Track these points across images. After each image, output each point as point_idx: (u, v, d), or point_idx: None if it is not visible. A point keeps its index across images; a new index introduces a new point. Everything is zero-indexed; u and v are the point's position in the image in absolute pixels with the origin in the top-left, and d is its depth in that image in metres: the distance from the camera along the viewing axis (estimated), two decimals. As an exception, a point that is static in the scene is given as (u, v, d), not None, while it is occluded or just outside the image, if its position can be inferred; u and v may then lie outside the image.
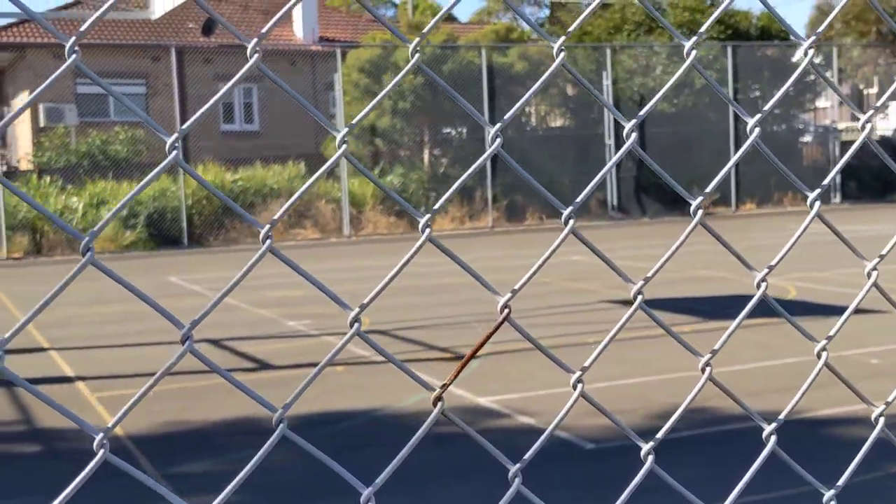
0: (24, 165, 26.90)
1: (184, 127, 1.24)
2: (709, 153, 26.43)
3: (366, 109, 1.36)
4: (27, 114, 27.48)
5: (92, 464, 1.16)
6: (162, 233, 23.11)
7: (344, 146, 1.26)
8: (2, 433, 7.38)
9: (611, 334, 1.41)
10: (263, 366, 9.49)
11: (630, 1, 30.71)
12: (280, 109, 28.18)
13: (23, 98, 28.14)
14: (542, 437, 1.41)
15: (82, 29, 1.15)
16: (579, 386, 1.41)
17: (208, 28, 20.18)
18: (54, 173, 24.12)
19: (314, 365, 8.18)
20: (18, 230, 21.83)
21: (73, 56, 1.12)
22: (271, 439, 1.25)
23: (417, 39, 1.33)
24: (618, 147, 27.36)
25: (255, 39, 1.21)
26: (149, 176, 1.23)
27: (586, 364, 1.42)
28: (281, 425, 1.26)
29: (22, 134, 28.47)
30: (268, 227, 1.28)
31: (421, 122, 25.91)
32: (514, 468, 1.40)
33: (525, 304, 12.52)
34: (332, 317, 11.22)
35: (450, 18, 46.01)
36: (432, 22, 1.38)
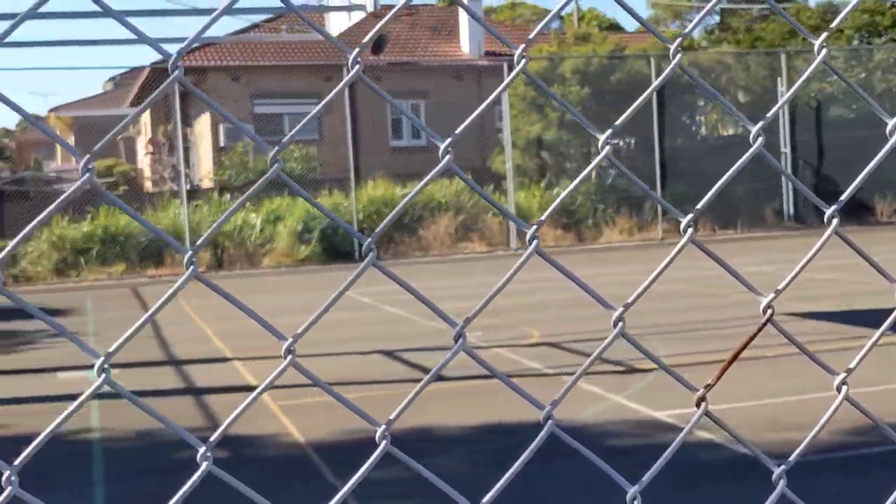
0: (206, 184, 28.16)
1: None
2: (890, 160, 25.16)
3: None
4: (209, 135, 28.79)
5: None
6: (334, 247, 23.73)
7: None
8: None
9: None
10: (437, 378, 9.59)
11: (804, 5, 29.69)
12: (447, 124, 28.44)
13: (204, 119, 29.48)
14: (806, 441, 1.41)
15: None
16: (844, 389, 1.41)
17: (378, 46, 20.63)
18: (234, 190, 25.14)
19: (484, 377, 8.22)
20: (202, 246, 22.85)
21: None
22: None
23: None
24: (794, 155, 26.45)
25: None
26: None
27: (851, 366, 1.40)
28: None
29: (204, 154, 29.83)
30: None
31: (588, 133, 25.72)
32: (778, 470, 1.42)
33: (702, 315, 12.22)
34: (504, 328, 11.24)
35: (616, 28, 45.58)
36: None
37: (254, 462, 6.92)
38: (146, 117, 38.75)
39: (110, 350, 1.21)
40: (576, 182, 1.46)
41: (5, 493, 1.21)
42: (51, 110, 53.56)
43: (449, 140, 1.31)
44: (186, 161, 27.16)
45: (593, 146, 26.09)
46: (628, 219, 25.42)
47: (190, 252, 1.19)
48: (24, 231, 1.22)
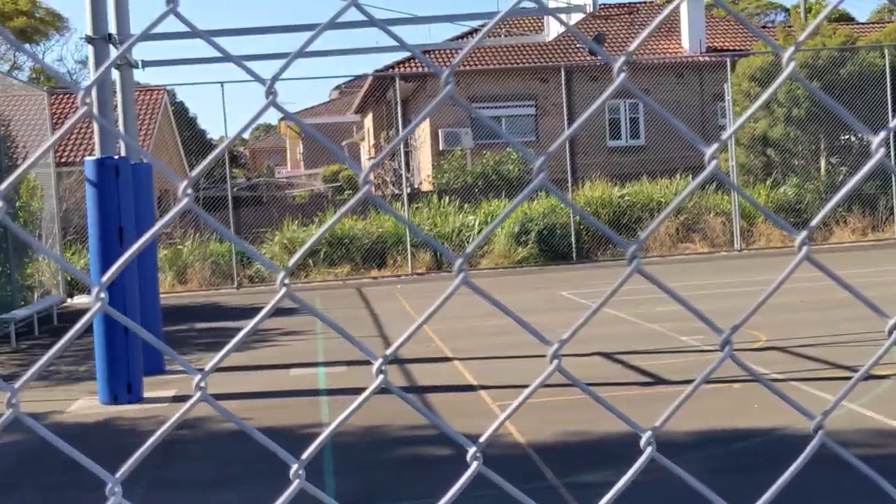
0: (426, 187, 28.79)
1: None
2: None
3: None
4: (429, 139, 29.43)
5: (467, 474, 1.20)
6: (552, 248, 23.73)
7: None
8: (417, 437, 7.88)
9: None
10: (657, 380, 9.42)
11: None
12: (665, 124, 27.92)
13: (424, 124, 30.16)
14: None
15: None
16: None
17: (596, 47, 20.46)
18: (452, 194, 25.58)
19: (708, 382, 8.00)
20: (422, 247, 23.36)
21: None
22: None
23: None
24: None
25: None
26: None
27: None
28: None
29: (423, 158, 30.52)
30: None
31: (816, 129, 24.59)
32: None
33: None
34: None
35: (847, 19, 43.31)
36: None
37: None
38: (369, 123, 40.05)
39: (387, 352, 1.28)
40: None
41: (293, 486, 1.27)
42: (281, 119, 56.20)
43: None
44: (407, 165, 27.85)
45: (823, 142, 24.91)
46: (861, 218, 24.12)
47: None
48: (310, 241, 1.28)
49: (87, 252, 22.42)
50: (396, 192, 27.10)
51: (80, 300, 21.07)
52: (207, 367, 1.28)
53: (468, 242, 23.58)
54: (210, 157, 1.37)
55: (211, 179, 31.68)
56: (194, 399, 1.25)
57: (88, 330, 12.34)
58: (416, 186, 29.86)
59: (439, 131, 28.84)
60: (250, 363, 11.94)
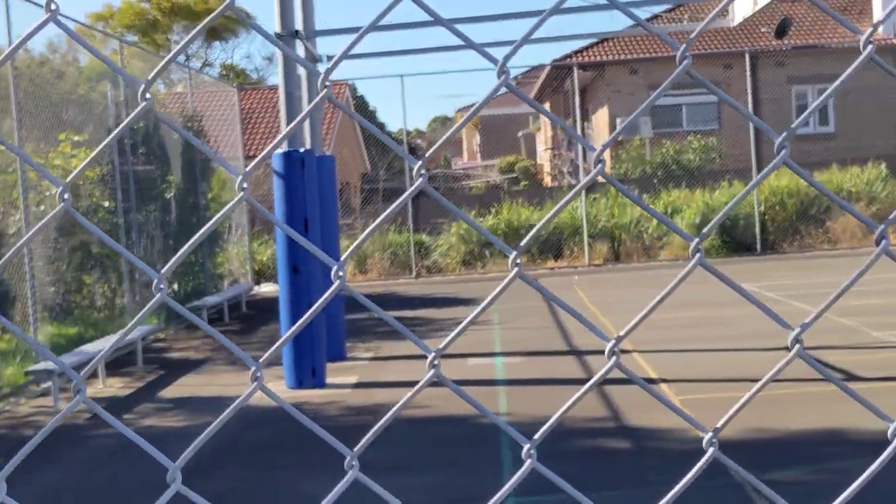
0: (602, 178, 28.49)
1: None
2: None
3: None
4: (607, 129, 29.09)
5: (701, 461, 1.15)
6: (735, 239, 23.04)
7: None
8: (597, 429, 7.81)
9: None
10: (849, 377, 9.01)
11: None
12: (856, 109, 26.70)
13: (602, 114, 29.83)
14: None
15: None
16: None
17: (782, 30, 19.73)
18: (630, 184, 25.19)
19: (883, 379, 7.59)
20: (599, 238, 23.12)
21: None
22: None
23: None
24: None
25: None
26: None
27: None
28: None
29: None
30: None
31: None
32: None
33: None
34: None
35: None
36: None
37: (655, 455, 6.88)
38: (546, 114, 39.85)
39: (621, 334, 1.26)
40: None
41: (525, 466, 1.26)
42: (458, 111, 56.73)
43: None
44: (584, 155, 27.59)
45: None
46: None
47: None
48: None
49: (273, 242, 23.27)
50: (573, 182, 26.91)
51: (266, 288, 21.88)
52: (441, 346, 1.29)
53: (646, 234, 23.19)
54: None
55: (390, 171, 32.30)
56: (426, 377, 1.24)
57: (274, 317, 12.79)
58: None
59: (617, 120, 28.45)
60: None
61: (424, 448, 7.55)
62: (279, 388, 10.24)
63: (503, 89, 1.30)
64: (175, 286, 17.41)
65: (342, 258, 1.29)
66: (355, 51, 15.67)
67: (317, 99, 1.28)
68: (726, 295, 14.76)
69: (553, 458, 6.98)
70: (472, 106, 42.86)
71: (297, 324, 1.28)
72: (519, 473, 1.21)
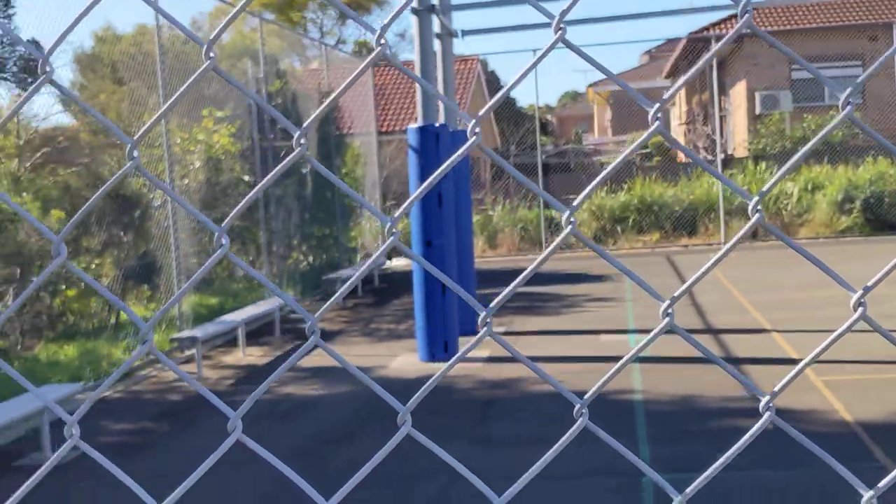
0: (740, 153, 27.76)
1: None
2: None
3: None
4: (745, 103, 28.33)
5: None
6: (879, 217, 22.18)
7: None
8: (732, 409, 7.65)
9: None
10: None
11: None
12: None
13: (739, 88, 29.05)
14: None
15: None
16: None
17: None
18: (768, 159, 24.50)
19: None
20: (735, 215, 22.58)
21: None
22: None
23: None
24: None
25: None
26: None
27: None
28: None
29: (739, 122, 29.41)
30: (484, 313, 1.10)
31: None
32: None
33: None
34: None
35: None
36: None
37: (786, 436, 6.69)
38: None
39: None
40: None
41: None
42: (589, 86, 56.13)
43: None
44: (721, 130, 26.96)
45: None
46: None
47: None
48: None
49: (404, 217, 23.51)
50: (709, 157, 26.33)
51: (398, 262, 22.15)
52: (676, 294, 1.28)
53: (785, 210, 22.54)
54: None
55: (521, 146, 32.23)
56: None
57: (406, 290, 12.91)
58: (729, 152, 28.86)
59: (756, 94, 27.66)
60: (562, 328, 12.06)
61: (560, 421, 7.54)
62: (412, 361, 10.37)
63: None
64: (310, 258, 17.79)
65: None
66: (488, 25, 15.60)
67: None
68: (870, 273, 14.20)
69: (687, 438, 6.88)
70: (605, 80, 42.12)
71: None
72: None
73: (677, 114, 41.78)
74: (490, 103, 1.31)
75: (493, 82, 36.37)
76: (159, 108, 12.21)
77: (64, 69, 21.88)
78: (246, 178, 14.92)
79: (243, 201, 1.28)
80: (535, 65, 1.25)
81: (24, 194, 11.49)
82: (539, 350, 10.64)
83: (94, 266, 12.51)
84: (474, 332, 11.78)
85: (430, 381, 1.21)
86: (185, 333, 10.77)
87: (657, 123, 1.20)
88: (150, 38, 12.53)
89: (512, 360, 10.27)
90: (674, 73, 39.01)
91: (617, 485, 5.85)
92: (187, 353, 11.58)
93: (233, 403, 6.52)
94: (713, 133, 25.66)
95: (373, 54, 1.26)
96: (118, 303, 1.27)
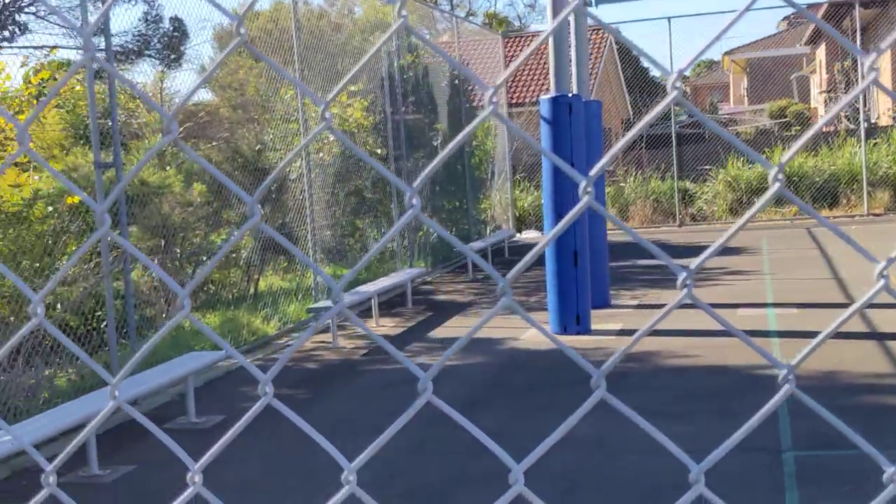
0: (885, 121, 26.65)
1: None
2: None
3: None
4: (889, 69, 27.15)
5: None
6: None
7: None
8: (879, 385, 7.41)
9: None
10: None
11: None
12: None
13: (885, 56, 27.85)
14: None
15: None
16: None
17: None
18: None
19: None
20: (879, 186, 21.73)
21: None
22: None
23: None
24: None
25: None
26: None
27: None
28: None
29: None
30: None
31: None
32: None
33: None
34: None
35: None
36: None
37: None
38: (821, 55, 37.74)
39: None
40: None
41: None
42: (725, 53, 54.65)
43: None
44: (864, 98, 25.92)
45: None
46: None
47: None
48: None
49: (533, 189, 23.44)
50: (851, 126, 25.38)
51: (528, 235, 22.11)
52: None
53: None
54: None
55: (655, 117, 31.68)
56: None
57: (538, 263, 12.92)
58: (873, 121, 27.75)
59: (902, 60, 26.48)
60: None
61: (695, 397, 7.43)
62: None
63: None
64: (441, 231, 17.92)
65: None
66: (622, -6, 15.35)
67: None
68: None
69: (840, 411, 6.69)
70: (741, 48, 40.95)
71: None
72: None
73: (818, 81, 40.37)
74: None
75: (625, 52, 35.76)
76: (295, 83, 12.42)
77: (204, 46, 22.52)
78: (379, 151, 15.11)
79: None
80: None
81: (168, 168, 11.90)
82: (671, 323, 10.49)
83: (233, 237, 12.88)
84: (607, 305, 11.70)
85: (634, 338, 1.20)
86: (321, 304, 11.02)
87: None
88: (286, 14, 12.78)
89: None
90: (814, 40, 37.67)
91: (755, 459, 5.74)
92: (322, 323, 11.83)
93: (367, 372, 6.69)
94: (857, 101, 24.69)
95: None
96: (311, 265, 1.30)
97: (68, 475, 6.47)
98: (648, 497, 5.43)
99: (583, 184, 1.13)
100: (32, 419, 6.48)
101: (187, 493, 1.15)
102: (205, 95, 14.60)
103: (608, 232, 12.33)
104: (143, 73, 16.00)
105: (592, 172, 1.15)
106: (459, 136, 1.21)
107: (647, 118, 1.27)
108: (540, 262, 10.94)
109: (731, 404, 7.14)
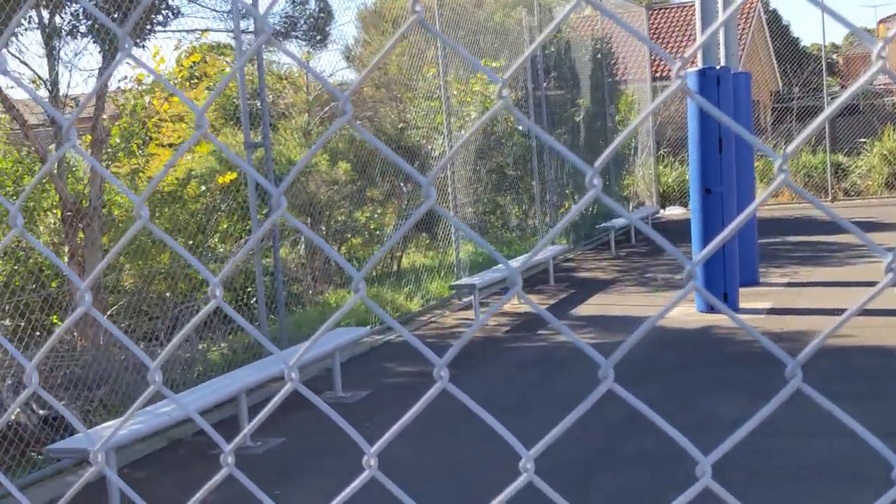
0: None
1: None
2: None
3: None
4: None
5: None
6: None
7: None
8: None
9: None
10: None
11: None
12: None
13: None
14: None
15: None
16: None
17: None
18: None
19: None
20: None
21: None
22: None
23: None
24: None
25: None
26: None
27: None
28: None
29: None
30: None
31: None
32: None
33: None
34: None
35: None
36: None
37: None
38: None
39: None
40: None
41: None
42: (880, 22, 52.20)
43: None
44: None
45: None
46: None
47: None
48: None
49: (678, 165, 22.94)
50: None
51: (672, 211, 21.69)
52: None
53: None
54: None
55: (806, 88, 30.58)
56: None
57: (682, 239, 12.65)
58: None
59: None
60: (850, 279, 11.41)
61: (850, 377, 7.15)
62: (690, 312, 10.15)
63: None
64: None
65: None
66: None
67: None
68: None
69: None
70: (894, 16, 38.94)
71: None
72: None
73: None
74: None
75: (775, 21, 34.60)
76: (437, 60, 12.49)
77: (348, 26, 22.86)
78: (520, 127, 15.04)
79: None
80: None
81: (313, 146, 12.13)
82: (823, 302, 10.12)
83: (376, 215, 13.05)
84: (756, 283, 11.36)
85: (840, 321, 1.14)
86: (464, 281, 11.06)
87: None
88: (427, -9, 12.82)
89: (796, 311, 9.82)
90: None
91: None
92: (465, 300, 11.89)
93: (510, 350, 6.66)
94: None
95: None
96: (486, 246, 1.28)
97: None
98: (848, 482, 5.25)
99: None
100: (189, 391, 6.71)
101: (363, 476, 1.14)
102: (349, 75, 14.81)
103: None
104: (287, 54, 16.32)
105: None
106: (651, 106, 1.16)
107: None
108: (687, 238, 10.72)
109: (889, 385, 6.85)
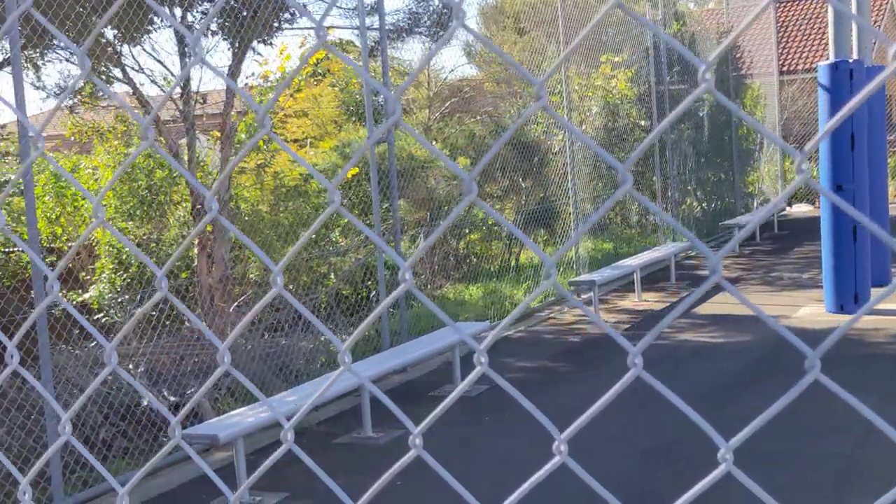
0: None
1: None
2: None
3: None
4: None
5: None
6: None
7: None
8: None
9: None
10: None
11: None
12: None
13: None
14: None
15: None
16: None
17: None
18: None
19: None
20: None
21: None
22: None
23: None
24: None
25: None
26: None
27: None
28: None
29: None
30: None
31: None
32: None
33: None
34: None
35: None
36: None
37: None
38: None
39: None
40: None
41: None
42: None
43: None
44: None
45: None
46: None
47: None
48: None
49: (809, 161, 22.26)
50: None
51: (799, 208, 21.11)
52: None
53: None
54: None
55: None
56: None
57: (810, 237, 12.29)
58: None
59: None
60: None
61: None
62: (818, 312, 9.87)
63: None
64: (705, 204, 17.42)
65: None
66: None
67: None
68: None
69: None
70: None
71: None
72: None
73: None
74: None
75: (909, 13, 33.17)
76: (558, 56, 12.42)
77: (469, 21, 22.92)
78: (642, 122, 14.85)
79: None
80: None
81: (434, 142, 12.20)
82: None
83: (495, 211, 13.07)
84: (888, 283, 10.95)
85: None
86: (584, 277, 10.98)
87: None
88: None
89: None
90: None
91: None
92: (584, 296, 11.81)
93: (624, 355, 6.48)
94: None
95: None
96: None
97: (344, 436, 6.80)
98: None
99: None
100: (311, 382, 6.84)
101: (553, 462, 1.15)
102: (469, 71, 14.86)
103: (890, 205, 11.55)
104: (409, 50, 16.48)
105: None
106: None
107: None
108: (815, 237, 10.42)
109: None
